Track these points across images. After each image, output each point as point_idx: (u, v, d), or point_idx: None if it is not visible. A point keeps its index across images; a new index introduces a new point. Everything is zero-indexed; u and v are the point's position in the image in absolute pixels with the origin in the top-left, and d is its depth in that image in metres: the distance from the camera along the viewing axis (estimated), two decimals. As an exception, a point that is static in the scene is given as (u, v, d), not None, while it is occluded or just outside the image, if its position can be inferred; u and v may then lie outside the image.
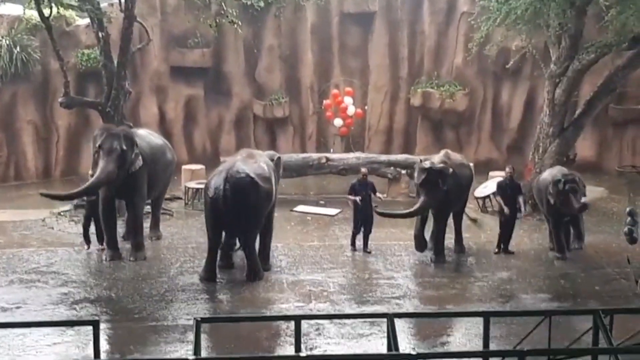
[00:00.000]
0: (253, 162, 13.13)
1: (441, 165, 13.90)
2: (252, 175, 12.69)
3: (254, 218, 12.76)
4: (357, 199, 14.48)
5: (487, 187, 17.61)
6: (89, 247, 14.48)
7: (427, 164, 13.92)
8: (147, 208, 15.48)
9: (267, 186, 12.98)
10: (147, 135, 15.30)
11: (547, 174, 14.58)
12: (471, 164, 16.23)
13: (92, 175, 13.76)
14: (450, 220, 14.54)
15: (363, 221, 14.64)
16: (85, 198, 14.37)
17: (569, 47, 16.78)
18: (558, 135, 17.14)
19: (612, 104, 21.20)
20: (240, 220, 12.58)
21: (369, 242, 14.67)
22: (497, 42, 18.99)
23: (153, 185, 14.72)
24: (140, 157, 13.86)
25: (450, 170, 13.84)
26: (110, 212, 14.08)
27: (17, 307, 11.55)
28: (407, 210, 14.21)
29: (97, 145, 13.65)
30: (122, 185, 13.83)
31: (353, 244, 14.74)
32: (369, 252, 14.54)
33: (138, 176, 13.94)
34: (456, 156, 14.97)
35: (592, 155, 21.83)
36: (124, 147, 13.54)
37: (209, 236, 12.96)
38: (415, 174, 14.19)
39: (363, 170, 15.30)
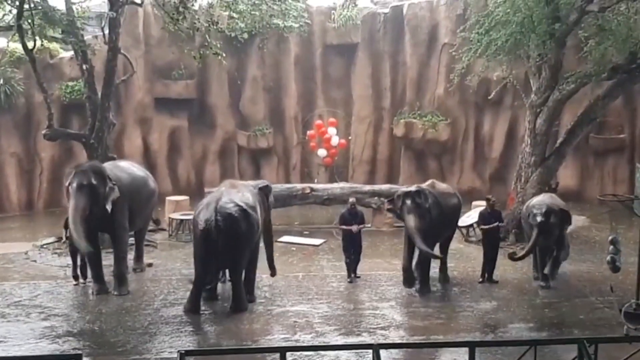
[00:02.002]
0: (237, 192, 13.13)
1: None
2: (241, 204, 12.71)
3: (245, 248, 12.75)
4: (353, 228, 14.58)
5: (470, 216, 17.69)
6: (77, 283, 14.29)
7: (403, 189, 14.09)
8: (131, 240, 15.38)
9: (256, 215, 13.02)
10: (129, 167, 15.22)
11: (536, 202, 14.46)
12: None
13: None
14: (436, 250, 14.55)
15: (353, 250, 14.75)
16: (68, 233, 14.23)
17: (549, 77, 17.01)
18: (540, 165, 17.30)
19: (593, 133, 21.47)
20: (232, 250, 12.55)
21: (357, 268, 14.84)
22: (478, 73, 19.21)
23: (135, 217, 14.60)
24: (116, 189, 13.68)
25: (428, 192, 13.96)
26: (93, 246, 13.89)
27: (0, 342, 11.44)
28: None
29: (66, 183, 13.61)
30: (103, 219, 13.66)
31: (349, 274, 14.75)
32: (358, 277, 14.68)
33: (118, 208, 13.77)
34: (442, 186, 15.05)
35: (574, 184, 22.02)
36: (94, 182, 13.42)
37: (196, 269, 12.85)
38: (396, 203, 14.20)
39: (351, 200, 15.35)
